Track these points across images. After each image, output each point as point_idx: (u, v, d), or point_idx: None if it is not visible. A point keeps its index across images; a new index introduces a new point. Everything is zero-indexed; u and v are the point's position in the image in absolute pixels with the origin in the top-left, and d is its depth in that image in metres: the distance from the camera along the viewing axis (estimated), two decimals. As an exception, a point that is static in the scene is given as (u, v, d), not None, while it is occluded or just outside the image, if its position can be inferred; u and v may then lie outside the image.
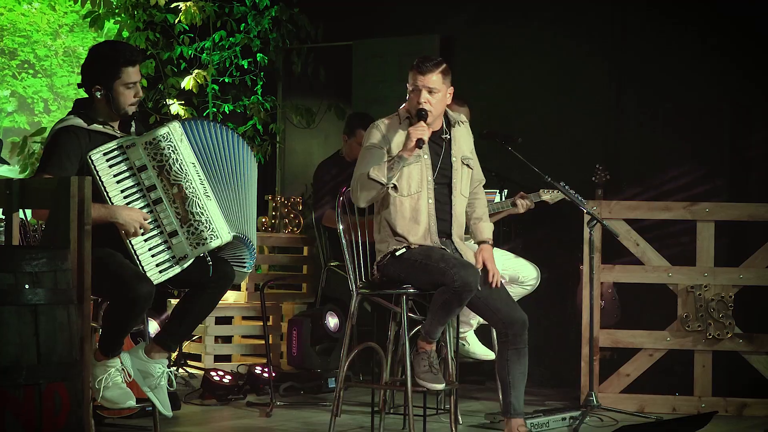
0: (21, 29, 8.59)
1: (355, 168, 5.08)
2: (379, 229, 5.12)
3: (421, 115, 4.97)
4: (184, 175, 4.37)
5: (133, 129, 4.53)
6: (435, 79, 5.02)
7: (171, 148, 4.37)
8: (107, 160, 4.34)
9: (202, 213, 4.37)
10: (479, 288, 4.94)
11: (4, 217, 4.17)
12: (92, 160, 4.33)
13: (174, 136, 4.39)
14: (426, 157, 5.07)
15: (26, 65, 8.61)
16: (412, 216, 5.05)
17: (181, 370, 6.96)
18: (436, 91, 5.02)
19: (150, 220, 4.38)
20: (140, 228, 4.33)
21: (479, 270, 4.98)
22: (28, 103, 8.61)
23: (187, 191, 4.37)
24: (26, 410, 3.25)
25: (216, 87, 8.40)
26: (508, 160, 5.92)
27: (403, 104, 5.18)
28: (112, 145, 4.38)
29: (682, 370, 6.47)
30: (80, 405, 3.45)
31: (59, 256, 3.48)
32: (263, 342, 6.88)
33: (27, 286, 3.32)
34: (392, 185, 4.96)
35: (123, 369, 4.42)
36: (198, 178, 4.41)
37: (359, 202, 5.02)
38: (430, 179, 5.08)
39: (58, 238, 3.80)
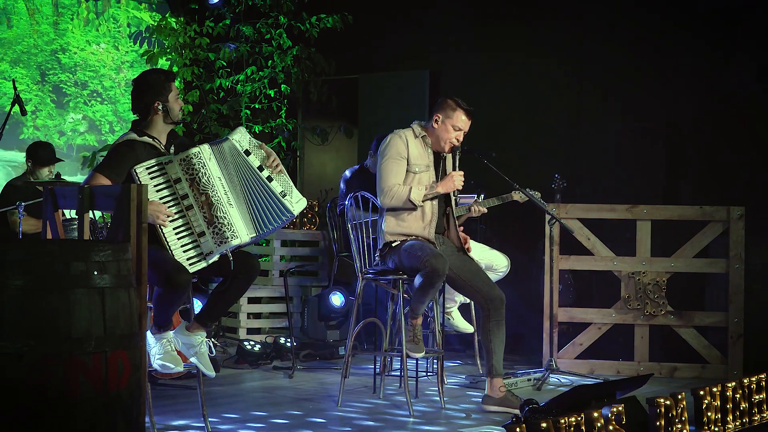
0: (91, 65, 8.60)
1: (382, 174, 5.00)
2: (385, 221, 5.06)
3: (455, 149, 5.06)
4: (211, 186, 4.34)
5: (172, 150, 4.52)
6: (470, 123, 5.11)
7: (201, 164, 4.35)
8: (149, 174, 4.34)
9: (224, 217, 4.34)
10: (462, 275, 4.98)
11: (77, 216, 4.16)
12: (136, 173, 4.32)
13: (204, 155, 4.37)
14: (432, 169, 5.07)
15: (95, 94, 8.62)
16: (419, 213, 5.01)
17: (220, 340, 6.97)
18: (465, 132, 5.10)
19: (182, 222, 4.35)
20: (161, 217, 4.26)
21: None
22: (96, 125, 8.62)
23: (213, 199, 4.34)
24: (95, 373, 3.25)
25: (248, 112, 8.41)
26: (485, 170, 5.92)
27: (415, 122, 5.12)
28: (152, 162, 4.37)
29: (624, 340, 6.48)
30: (138, 369, 3.46)
31: (121, 249, 3.49)
32: (287, 317, 6.90)
33: (95, 273, 3.32)
34: (420, 205, 4.99)
35: (172, 341, 4.43)
36: (223, 189, 4.38)
37: (387, 205, 5.00)
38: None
39: (120, 233, 3.81)
